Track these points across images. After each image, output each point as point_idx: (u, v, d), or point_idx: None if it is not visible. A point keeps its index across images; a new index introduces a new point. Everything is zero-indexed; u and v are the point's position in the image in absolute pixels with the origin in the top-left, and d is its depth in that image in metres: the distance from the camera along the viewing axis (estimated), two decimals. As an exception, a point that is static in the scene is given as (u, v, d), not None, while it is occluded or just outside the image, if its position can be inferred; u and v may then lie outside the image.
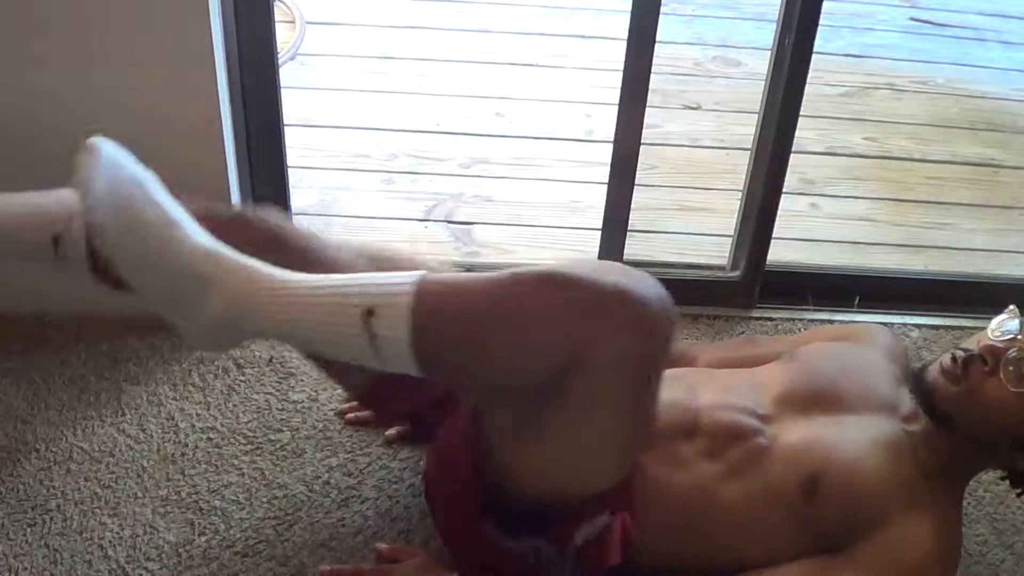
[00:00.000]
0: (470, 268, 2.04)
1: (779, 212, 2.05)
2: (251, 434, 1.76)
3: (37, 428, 1.74)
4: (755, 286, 2.11)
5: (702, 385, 1.55)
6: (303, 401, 1.83)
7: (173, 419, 1.78)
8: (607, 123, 2.12)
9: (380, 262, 1.49)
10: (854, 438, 1.45)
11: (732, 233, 2.12)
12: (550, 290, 1.23)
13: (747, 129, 2.09)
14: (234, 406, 1.81)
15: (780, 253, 2.21)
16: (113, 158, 1.29)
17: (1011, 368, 1.37)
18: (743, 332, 2.08)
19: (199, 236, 1.29)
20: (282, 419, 1.79)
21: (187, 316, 1.30)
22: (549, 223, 2.41)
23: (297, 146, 2.47)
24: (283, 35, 2.80)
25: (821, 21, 1.84)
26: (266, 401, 1.82)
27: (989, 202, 2.63)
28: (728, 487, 1.45)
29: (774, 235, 2.08)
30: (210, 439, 1.75)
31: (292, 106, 2.33)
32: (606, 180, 2.06)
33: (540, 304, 1.22)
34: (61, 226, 1.36)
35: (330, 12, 3.10)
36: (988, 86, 3.07)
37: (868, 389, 1.53)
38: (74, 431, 1.74)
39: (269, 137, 1.92)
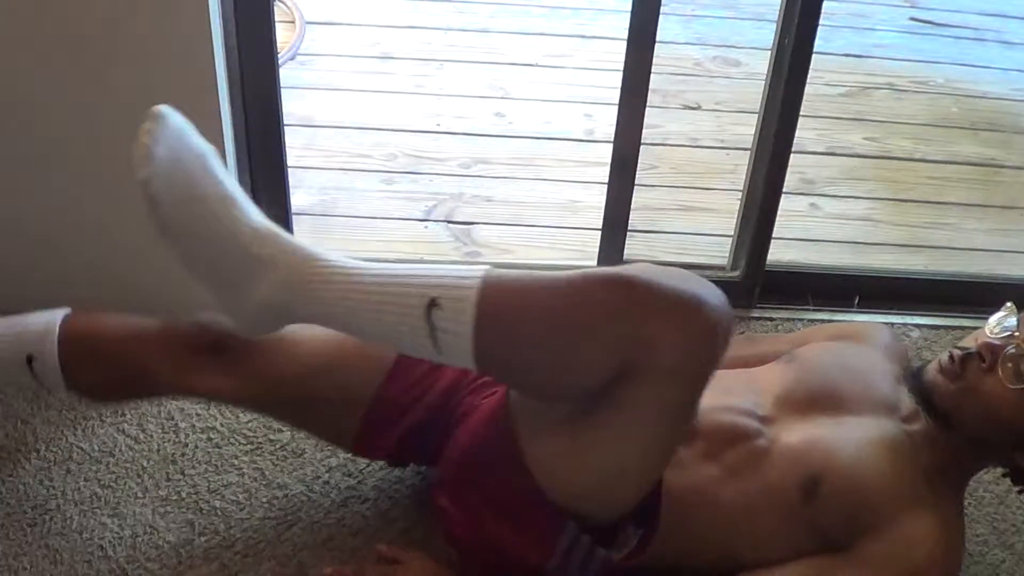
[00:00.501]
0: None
1: (779, 212, 2.05)
2: (251, 434, 1.76)
3: (37, 428, 1.74)
4: (755, 286, 2.11)
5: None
6: (303, 401, 1.82)
7: (173, 419, 1.78)
8: (607, 123, 2.12)
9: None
10: (855, 438, 1.45)
11: (732, 233, 2.12)
12: (622, 291, 1.21)
13: (747, 129, 2.09)
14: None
15: (780, 253, 2.21)
16: (178, 128, 1.27)
17: (1009, 365, 1.37)
18: (743, 332, 2.08)
19: (255, 215, 1.28)
20: (282, 419, 1.79)
21: (236, 296, 1.29)
22: (549, 223, 2.41)
23: (297, 146, 2.47)
24: (283, 35, 2.80)
25: (821, 21, 1.84)
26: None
27: (989, 202, 2.62)
28: (728, 489, 1.45)
29: (774, 235, 2.08)
30: (210, 439, 1.75)
31: (292, 106, 2.33)
32: (606, 180, 2.06)
33: (611, 304, 1.20)
34: (36, 347, 1.40)
35: (330, 12, 3.10)
36: (988, 86, 3.07)
37: (868, 389, 1.53)
38: (74, 431, 1.74)
39: (269, 137, 1.92)
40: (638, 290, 1.21)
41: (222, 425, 1.77)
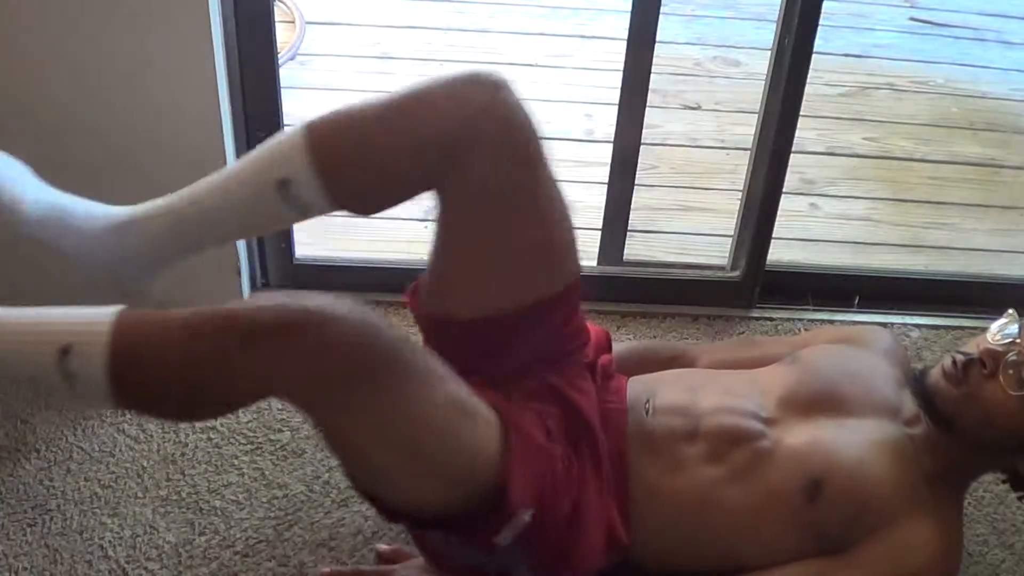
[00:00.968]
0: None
1: (779, 212, 2.05)
2: (251, 434, 1.76)
3: (37, 428, 1.74)
4: (755, 286, 2.11)
5: (704, 388, 1.55)
6: (303, 401, 1.82)
7: (173, 419, 1.78)
8: (607, 123, 2.12)
9: None
10: (857, 441, 1.45)
11: (732, 233, 2.12)
12: (232, 329, 1.15)
13: (747, 129, 2.09)
14: (234, 406, 1.81)
15: (780, 253, 2.21)
16: None
17: (1011, 372, 1.37)
18: (743, 332, 2.08)
19: None
20: (282, 419, 1.79)
21: None
22: (549, 223, 2.40)
23: (297, 146, 2.47)
24: (283, 35, 2.80)
25: (821, 21, 1.84)
26: (266, 401, 1.82)
27: (989, 202, 2.63)
28: (730, 490, 1.44)
29: (774, 235, 2.08)
30: (210, 439, 1.75)
31: (292, 106, 2.33)
32: (606, 180, 2.06)
33: (222, 342, 1.15)
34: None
35: (330, 12, 3.10)
36: (988, 86, 3.07)
37: (870, 392, 1.53)
38: (74, 431, 1.74)
39: (269, 137, 1.91)
40: (241, 324, 1.15)
41: (222, 425, 1.77)
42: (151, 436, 1.75)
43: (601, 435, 1.46)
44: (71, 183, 1.81)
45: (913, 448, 1.45)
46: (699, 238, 2.35)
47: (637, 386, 1.55)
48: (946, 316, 2.15)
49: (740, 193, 2.08)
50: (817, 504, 1.41)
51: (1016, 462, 1.44)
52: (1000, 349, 1.39)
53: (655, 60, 1.88)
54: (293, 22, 2.98)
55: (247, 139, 1.89)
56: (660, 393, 1.53)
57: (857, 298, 2.16)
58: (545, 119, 2.84)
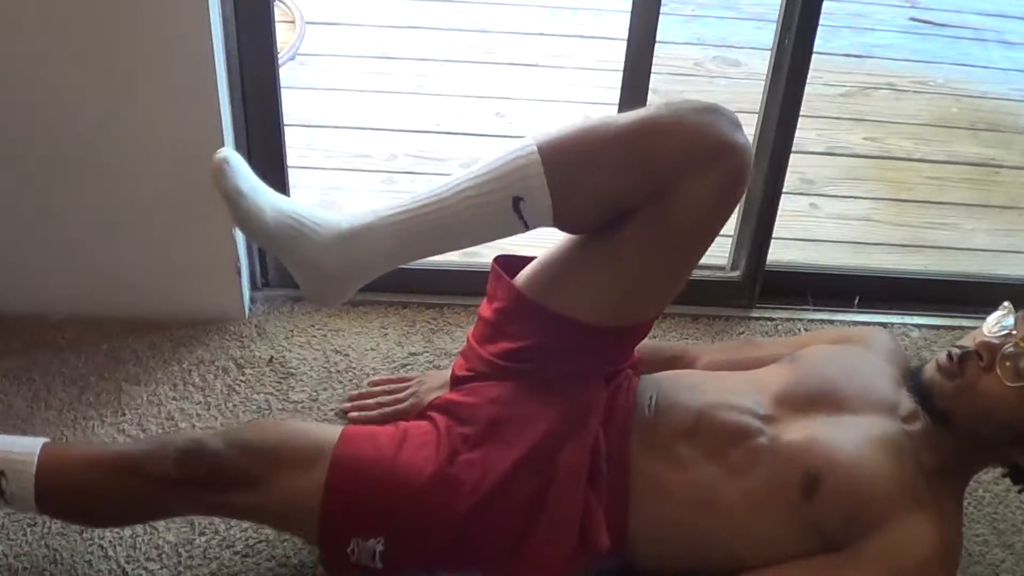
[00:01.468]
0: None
1: (779, 212, 2.05)
2: (251, 434, 1.76)
3: (37, 428, 1.74)
4: (755, 286, 2.11)
5: (703, 385, 1.55)
6: (303, 401, 1.83)
7: (173, 419, 1.78)
8: (607, 123, 2.11)
9: None
10: (855, 438, 1.45)
11: (732, 233, 2.12)
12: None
13: (747, 129, 2.07)
14: (234, 406, 1.81)
15: (780, 253, 2.21)
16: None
17: (1007, 364, 1.37)
18: (743, 332, 2.08)
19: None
20: (282, 419, 1.79)
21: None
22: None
23: (297, 146, 2.47)
24: (283, 35, 2.80)
25: (821, 21, 1.84)
26: (266, 401, 1.82)
27: (989, 202, 2.63)
28: (728, 487, 1.45)
29: (774, 235, 2.08)
30: (210, 439, 1.75)
31: (292, 106, 2.33)
32: (606, 180, 2.05)
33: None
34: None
35: (330, 12, 3.10)
36: (988, 86, 3.07)
37: (868, 390, 1.53)
38: (74, 431, 1.74)
39: (269, 137, 1.92)
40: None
41: (222, 425, 1.77)
42: (151, 436, 1.74)
43: (599, 434, 1.46)
44: (71, 182, 1.82)
45: (911, 444, 1.46)
46: (699, 238, 2.34)
47: (641, 384, 1.56)
48: (946, 316, 2.15)
49: (740, 193, 2.08)
50: (815, 501, 1.41)
51: (1015, 455, 1.44)
52: (996, 342, 1.39)
53: (655, 60, 1.88)
54: (293, 22, 2.98)
55: (247, 139, 1.89)
56: (662, 391, 1.53)
57: (857, 298, 2.16)
58: (545, 119, 2.85)
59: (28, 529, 1.58)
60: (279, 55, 1.91)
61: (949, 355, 1.42)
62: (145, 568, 1.55)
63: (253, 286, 2.02)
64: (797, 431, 1.47)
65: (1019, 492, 1.51)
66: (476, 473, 1.40)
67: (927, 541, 1.38)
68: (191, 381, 1.84)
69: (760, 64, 2.13)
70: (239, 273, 1.93)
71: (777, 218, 2.06)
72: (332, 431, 1.46)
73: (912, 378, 1.47)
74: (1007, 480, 1.51)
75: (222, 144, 1.78)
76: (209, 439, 1.43)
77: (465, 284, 2.02)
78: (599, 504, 1.43)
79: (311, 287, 1.46)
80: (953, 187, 2.66)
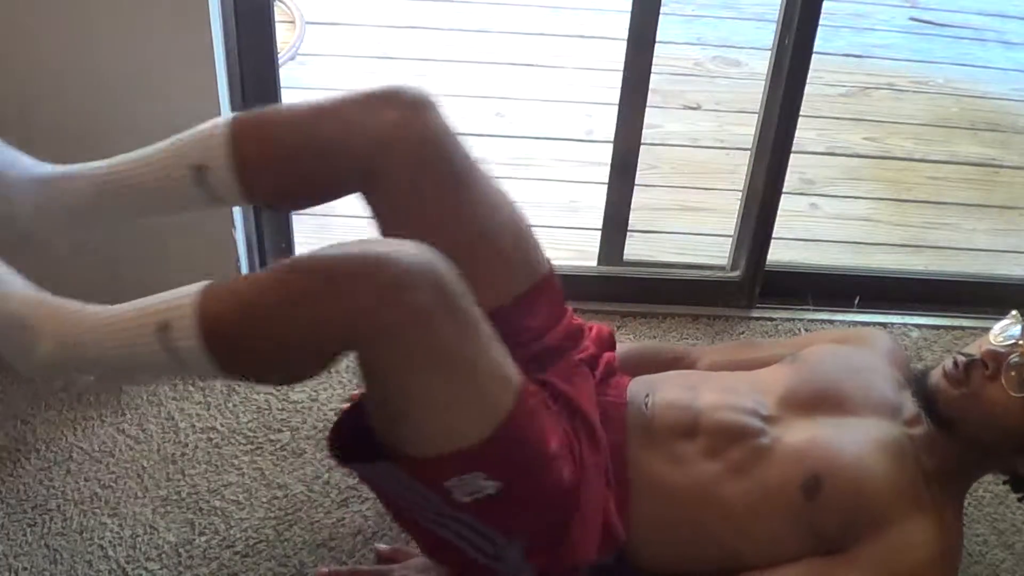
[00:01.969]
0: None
1: (779, 212, 2.05)
2: (251, 434, 1.76)
3: (37, 428, 1.74)
4: (755, 286, 2.11)
5: (703, 386, 1.55)
6: (303, 401, 1.83)
7: (173, 419, 1.78)
8: (607, 123, 2.12)
9: None
10: (857, 439, 1.45)
11: (732, 233, 2.12)
12: (304, 279, 1.23)
13: (747, 129, 2.09)
14: (234, 406, 1.81)
15: (780, 253, 2.21)
16: None
17: (1013, 373, 1.37)
18: (743, 332, 2.08)
19: (17, 284, 1.31)
20: (282, 419, 1.79)
21: (22, 360, 1.31)
22: (549, 223, 2.40)
23: (297, 146, 2.47)
24: (283, 35, 2.80)
25: (821, 21, 1.84)
26: (266, 401, 1.82)
27: (989, 202, 2.63)
28: (728, 487, 1.45)
29: (774, 235, 2.08)
30: (210, 439, 1.75)
31: (292, 106, 2.33)
32: (606, 180, 2.06)
33: (302, 288, 1.22)
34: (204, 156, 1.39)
35: (330, 12, 3.10)
36: (988, 86, 3.07)
37: (871, 392, 1.53)
38: (74, 431, 1.74)
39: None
40: (313, 274, 1.23)
41: (222, 425, 1.77)
42: (151, 436, 1.75)
43: (599, 426, 1.46)
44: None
45: (913, 448, 1.45)
46: (699, 238, 2.35)
47: (637, 384, 1.56)
48: (946, 316, 2.15)
49: (740, 193, 2.08)
50: (816, 502, 1.41)
51: (1017, 463, 1.44)
52: (1002, 350, 1.39)
53: (655, 60, 1.89)
54: (293, 22, 2.98)
55: (247, 139, 1.89)
56: (660, 390, 1.53)
57: (857, 298, 2.16)
58: (545, 119, 2.85)
59: (28, 529, 1.58)
60: (279, 55, 1.91)
61: (955, 362, 1.41)
62: (145, 568, 1.55)
63: (253, 286, 2.02)
64: (800, 432, 1.47)
65: (1019, 500, 1.51)
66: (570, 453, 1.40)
67: (927, 545, 1.38)
68: (191, 381, 1.84)
69: (760, 64, 2.14)
70: (239, 272, 1.93)
71: (777, 218, 2.06)
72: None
73: (917, 384, 1.46)
74: (1007, 484, 1.51)
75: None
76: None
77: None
78: (611, 497, 1.43)
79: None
80: (953, 187, 2.66)
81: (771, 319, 2.11)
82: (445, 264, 1.24)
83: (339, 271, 1.22)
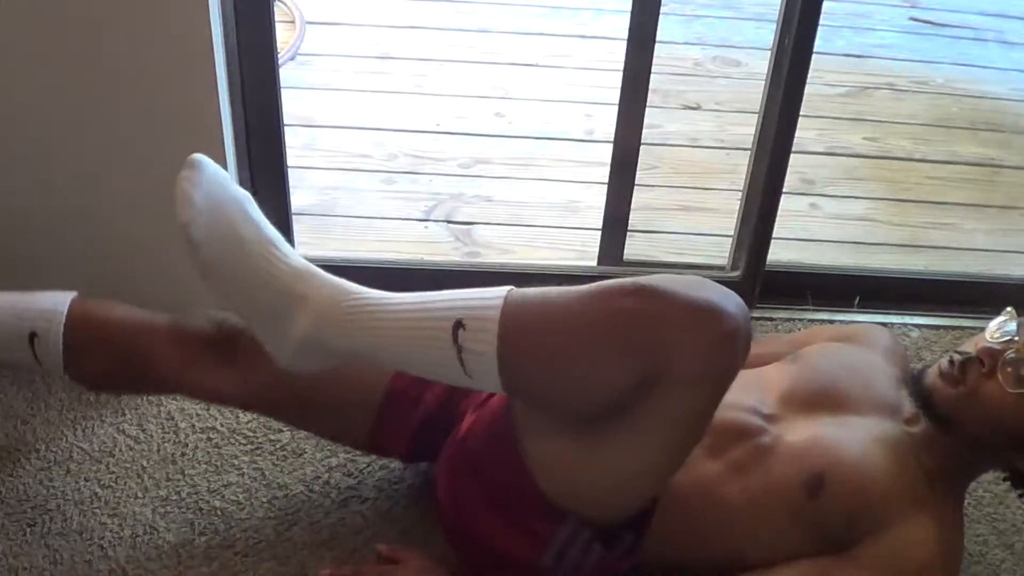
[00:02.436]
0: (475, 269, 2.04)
1: (779, 212, 2.05)
2: (251, 434, 1.76)
3: (37, 428, 1.74)
4: (755, 286, 2.11)
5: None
6: (303, 401, 1.82)
7: (173, 419, 1.78)
8: (607, 123, 2.12)
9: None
10: (858, 438, 1.45)
11: (732, 233, 2.12)
12: (640, 300, 1.21)
13: (747, 129, 2.09)
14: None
15: (780, 253, 2.21)
16: (215, 175, 1.31)
17: (1009, 370, 1.37)
18: (743, 332, 2.07)
19: (293, 256, 1.32)
20: (282, 419, 1.79)
21: (275, 332, 1.32)
22: (549, 223, 2.41)
23: (297, 146, 2.47)
24: (283, 35, 2.80)
25: (821, 21, 1.84)
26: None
27: (989, 202, 2.63)
28: (730, 486, 1.45)
29: (774, 235, 2.08)
30: (210, 439, 1.75)
31: (292, 106, 2.33)
32: (606, 180, 2.06)
33: (629, 313, 1.21)
34: (41, 324, 1.45)
35: (330, 12, 3.10)
36: (988, 86, 3.07)
37: (871, 390, 1.53)
38: (74, 431, 1.74)
39: (269, 137, 1.92)
40: (656, 299, 1.20)
41: (222, 425, 1.77)
42: (151, 436, 1.75)
43: None
44: (70, 183, 1.82)
45: (913, 446, 1.46)
46: (699, 238, 2.35)
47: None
48: (946, 316, 2.15)
49: (740, 193, 2.08)
50: (818, 501, 1.41)
51: (1016, 460, 1.44)
52: (998, 347, 1.39)
53: (655, 60, 1.88)
54: (293, 22, 2.98)
55: (247, 139, 1.89)
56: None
57: (857, 298, 2.16)
58: (545, 119, 2.85)
59: (28, 529, 1.58)
60: (279, 55, 1.91)
61: (951, 361, 1.41)
62: (145, 568, 1.55)
63: (253, 286, 2.02)
64: (802, 431, 1.47)
65: (1019, 496, 1.51)
66: None
67: (928, 543, 1.38)
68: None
69: (760, 64, 2.13)
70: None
71: (777, 218, 2.06)
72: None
73: (914, 383, 1.47)
74: (1007, 481, 1.51)
75: (222, 144, 1.78)
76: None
77: (466, 284, 2.02)
78: None
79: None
80: (953, 187, 2.66)
81: (771, 319, 2.11)
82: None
83: (679, 304, 1.20)
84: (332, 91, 2.79)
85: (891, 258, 2.40)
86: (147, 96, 1.74)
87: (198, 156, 1.30)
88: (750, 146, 2.03)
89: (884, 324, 2.06)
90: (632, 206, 2.08)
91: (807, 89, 1.92)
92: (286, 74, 2.56)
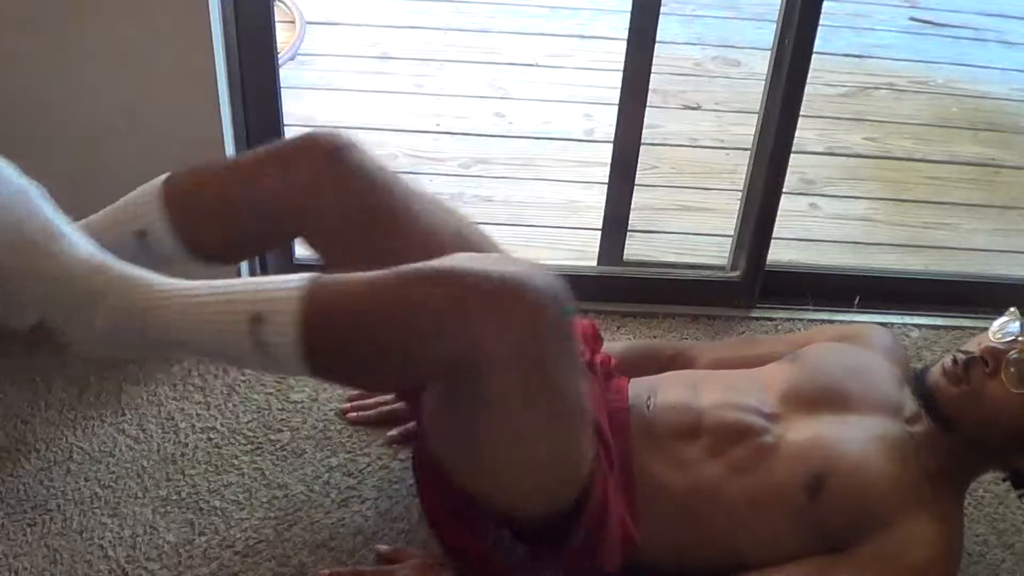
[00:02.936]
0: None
1: (779, 212, 2.05)
2: (251, 434, 1.76)
3: (37, 428, 1.74)
4: (755, 286, 2.11)
5: (705, 384, 1.55)
6: (303, 401, 1.83)
7: (173, 419, 1.78)
8: (607, 123, 2.12)
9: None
10: (860, 438, 1.45)
11: (732, 233, 2.12)
12: (442, 286, 1.19)
13: (747, 129, 2.09)
14: (234, 406, 1.81)
15: (780, 253, 2.21)
16: None
17: (1012, 370, 1.37)
18: (743, 332, 2.08)
19: (83, 248, 1.29)
20: (282, 419, 1.79)
21: (79, 328, 1.30)
22: (549, 223, 2.41)
23: (297, 146, 2.47)
24: (283, 35, 2.80)
25: (821, 21, 1.84)
26: (266, 401, 1.82)
27: (989, 202, 2.63)
28: (731, 485, 1.45)
29: (774, 235, 2.08)
30: (210, 439, 1.75)
31: (292, 106, 2.33)
32: (606, 180, 2.06)
33: (430, 301, 1.19)
34: (144, 222, 1.43)
35: (330, 12, 3.11)
36: (988, 86, 3.07)
37: (872, 390, 1.53)
38: (74, 431, 1.74)
39: (269, 137, 1.91)
40: (456, 282, 1.19)
41: (222, 425, 1.77)
42: (151, 436, 1.75)
43: (609, 435, 1.46)
44: (70, 183, 1.82)
45: (914, 446, 1.46)
46: (699, 238, 2.35)
47: (637, 386, 1.56)
48: (946, 316, 2.15)
49: (740, 193, 2.08)
50: (819, 500, 1.41)
51: (1017, 461, 1.44)
52: (1002, 347, 1.39)
53: (655, 60, 1.88)
54: (293, 22, 2.98)
55: (247, 139, 1.89)
56: (661, 391, 1.53)
57: (857, 298, 2.16)
58: (545, 119, 2.85)
59: (28, 529, 1.58)
60: (279, 55, 1.91)
61: (954, 360, 1.41)
62: (145, 568, 1.55)
63: (253, 286, 2.02)
64: (803, 430, 1.47)
65: (1019, 496, 1.51)
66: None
67: (929, 543, 1.38)
68: (191, 381, 1.84)
69: (760, 64, 2.14)
70: (238, 274, 1.93)
71: (777, 218, 2.06)
72: None
73: (916, 382, 1.47)
74: (1007, 481, 1.51)
75: (222, 144, 1.79)
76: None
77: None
78: (623, 500, 1.43)
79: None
80: (953, 187, 2.66)
81: (771, 319, 2.11)
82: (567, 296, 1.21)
83: (481, 285, 1.18)
84: (332, 91, 2.79)
85: (891, 258, 2.40)
86: (147, 97, 1.74)
87: None
88: (750, 146, 2.03)
89: (884, 324, 2.06)
90: (632, 206, 2.08)
91: (807, 89, 1.92)
92: (286, 74, 2.56)
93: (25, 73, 1.71)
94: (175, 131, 1.76)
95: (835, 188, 2.59)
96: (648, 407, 1.51)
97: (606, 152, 2.05)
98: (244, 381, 1.85)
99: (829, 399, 1.51)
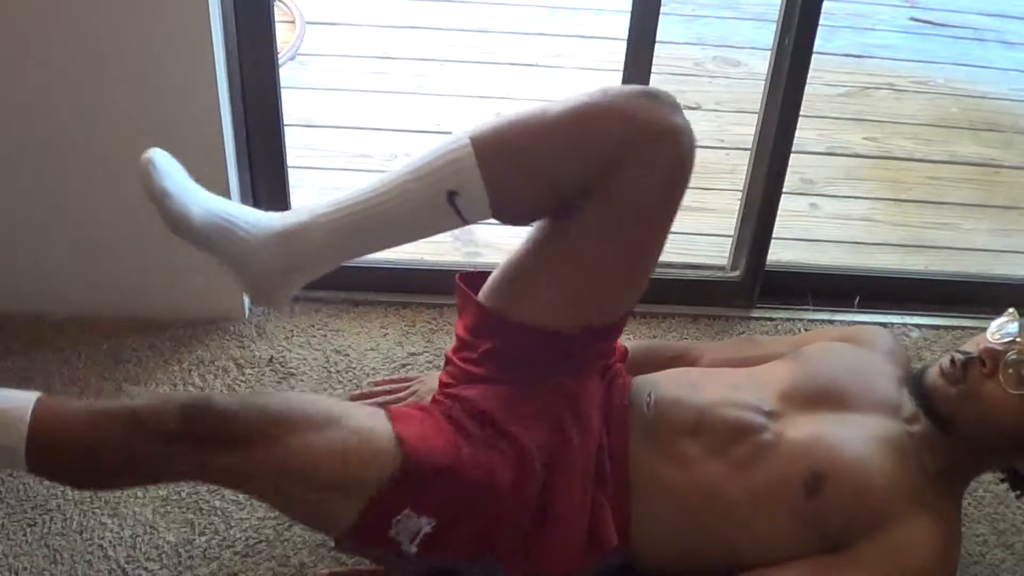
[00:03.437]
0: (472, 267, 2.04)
1: (779, 212, 2.05)
2: (251, 434, 1.76)
3: (37, 428, 1.74)
4: (755, 286, 2.11)
5: (706, 382, 1.55)
6: (303, 401, 1.82)
7: (173, 419, 1.77)
8: (607, 123, 2.11)
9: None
10: (859, 437, 1.45)
11: (732, 233, 2.12)
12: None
13: (747, 129, 2.09)
14: (234, 406, 1.80)
15: (780, 253, 2.21)
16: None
17: (1010, 370, 1.37)
18: (743, 332, 2.08)
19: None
20: (282, 419, 1.79)
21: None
22: (549, 223, 2.40)
23: (297, 146, 2.47)
24: (283, 35, 2.80)
25: (821, 21, 1.84)
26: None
27: (989, 202, 2.63)
28: (731, 484, 1.45)
29: (774, 235, 2.08)
30: (210, 439, 1.75)
31: (292, 106, 2.33)
32: (606, 180, 2.05)
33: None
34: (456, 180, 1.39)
35: (330, 12, 3.11)
36: (988, 86, 3.07)
37: (872, 389, 1.53)
38: (74, 431, 1.74)
39: (269, 137, 1.92)
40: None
41: (222, 425, 1.77)
42: (151, 436, 1.74)
43: (599, 432, 1.46)
44: (70, 183, 1.82)
45: (913, 446, 1.46)
46: (699, 238, 2.34)
47: (638, 384, 1.56)
48: (946, 316, 2.15)
49: (740, 193, 2.08)
50: (818, 499, 1.41)
51: (1015, 461, 1.44)
52: (1000, 348, 1.39)
53: (655, 60, 1.88)
54: (293, 22, 2.98)
55: (247, 139, 1.89)
56: (661, 389, 1.53)
57: (857, 298, 2.16)
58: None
59: (28, 529, 1.58)
60: (279, 55, 1.91)
61: (952, 360, 1.41)
62: (145, 568, 1.55)
63: (253, 286, 2.02)
64: (802, 428, 1.47)
65: (1018, 496, 1.51)
66: (508, 464, 1.38)
67: (928, 543, 1.38)
68: (191, 381, 1.84)
69: (760, 64, 2.14)
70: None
71: (777, 218, 2.06)
72: (351, 405, 1.50)
73: (915, 382, 1.47)
74: (1006, 482, 1.51)
75: (222, 144, 1.79)
76: (220, 397, 1.42)
77: (465, 284, 2.02)
78: (607, 502, 1.43)
79: (247, 285, 1.41)
80: (953, 187, 2.66)
81: (771, 319, 2.11)
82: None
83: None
84: (332, 91, 2.79)
85: (891, 258, 2.40)
86: (147, 97, 1.74)
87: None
88: (750, 146, 2.03)
89: (884, 324, 2.07)
90: (632, 206, 2.07)
91: (807, 89, 1.92)
92: (286, 74, 2.56)
93: (22, 75, 1.71)
94: (175, 131, 1.76)
95: (835, 188, 2.60)
96: (648, 405, 1.51)
97: (606, 152, 2.04)
98: (244, 381, 1.85)
99: (829, 398, 1.51)
